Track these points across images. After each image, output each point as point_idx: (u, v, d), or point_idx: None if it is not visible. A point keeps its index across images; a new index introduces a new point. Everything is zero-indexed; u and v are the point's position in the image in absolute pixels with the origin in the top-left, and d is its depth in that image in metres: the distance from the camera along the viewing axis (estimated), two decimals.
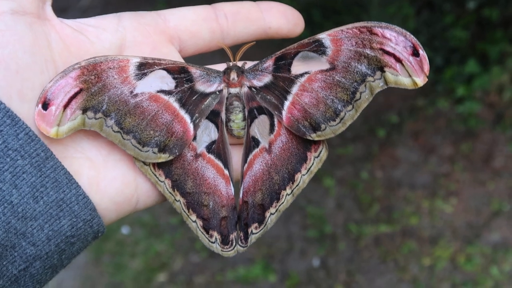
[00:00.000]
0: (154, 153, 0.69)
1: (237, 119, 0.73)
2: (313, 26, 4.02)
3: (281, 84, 0.72)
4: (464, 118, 3.32)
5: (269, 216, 0.73)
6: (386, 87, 0.69)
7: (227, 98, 0.73)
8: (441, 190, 3.01)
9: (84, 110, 0.65)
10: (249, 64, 0.75)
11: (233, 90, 0.73)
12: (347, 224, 2.91)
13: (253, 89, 0.73)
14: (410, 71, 0.67)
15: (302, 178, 0.73)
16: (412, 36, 0.67)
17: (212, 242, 0.73)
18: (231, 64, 0.74)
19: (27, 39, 0.62)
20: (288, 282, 2.70)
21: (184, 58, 0.75)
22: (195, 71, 0.71)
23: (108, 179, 0.67)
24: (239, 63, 0.74)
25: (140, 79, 0.68)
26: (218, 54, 0.77)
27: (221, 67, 0.76)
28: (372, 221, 2.92)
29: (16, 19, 0.62)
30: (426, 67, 0.67)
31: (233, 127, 0.74)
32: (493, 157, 3.14)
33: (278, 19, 0.74)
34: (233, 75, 0.72)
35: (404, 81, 0.68)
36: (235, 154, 0.75)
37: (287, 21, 0.75)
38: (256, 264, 2.75)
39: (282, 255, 2.81)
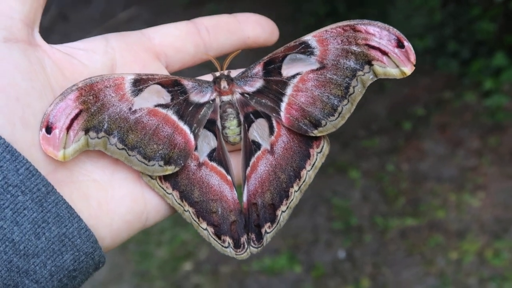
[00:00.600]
0: (160, 166, 0.70)
1: (232, 125, 0.75)
2: (337, 17, 3.99)
3: (274, 87, 0.74)
4: (492, 112, 3.28)
5: (280, 214, 0.75)
6: (376, 78, 0.72)
7: (220, 106, 0.75)
8: (469, 184, 2.98)
9: (86, 131, 0.66)
10: (233, 72, 0.77)
11: (225, 98, 0.75)
12: (373, 217, 2.89)
13: (245, 95, 0.75)
14: (397, 62, 0.70)
15: (308, 174, 0.75)
16: (395, 29, 0.70)
17: (225, 247, 0.74)
18: (218, 73, 0.76)
19: (23, 66, 0.62)
20: (313, 273, 2.70)
21: (171, 74, 0.77)
22: (187, 83, 0.73)
23: (117, 199, 0.68)
24: (225, 72, 0.76)
25: (137, 95, 0.69)
26: (203, 67, 0.79)
27: (208, 78, 0.78)
28: (398, 214, 2.90)
29: (9, 46, 0.62)
30: (412, 57, 0.70)
31: (229, 134, 0.76)
32: None
33: (255, 29, 0.77)
34: (224, 84, 0.74)
35: (392, 72, 0.71)
36: (233, 160, 0.77)
37: (263, 31, 0.78)
38: (282, 255, 2.75)
39: (307, 246, 2.80)
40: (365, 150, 3.17)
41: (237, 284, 2.69)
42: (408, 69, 0.70)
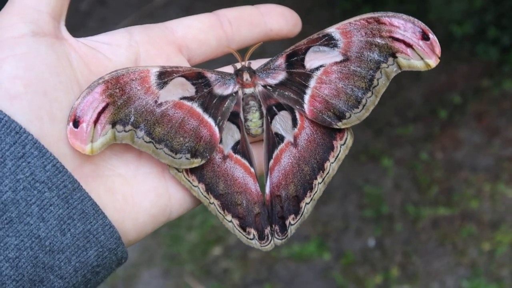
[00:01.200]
0: (187, 158, 0.71)
1: (254, 118, 0.75)
2: (375, 3, 3.94)
3: (298, 79, 0.74)
4: None
5: (304, 206, 0.75)
6: (400, 71, 0.72)
7: (242, 98, 0.75)
8: (504, 174, 2.92)
9: (113, 124, 0.67)
10: (254, 63, 0.77)
11: (248, 90, 0.75)
12: (404, 205, 2.87)
13: (268, 87, 0.75)
14: (422, 54, 0.70)
15: (331, 166, 0.76)
16: (420, 22, 0.70)
17: (250, 239, 0.75)
18: (239, 65, 0.76)
19: (50, 60, 0.63)
20: (342, 261, 2.70)
21: (193, 67, 0.78)
22: (210, 75, 0.74)
23: (142, 193, 0.69)
24: (246, 64, 0.76)
25: (162, 88, 0.70)
26: (221, 59, 0.79)
27: (228, 69, 0.78)
28: (431, 203, 2.87)
29: (37, 40, 0.63)
30: (437, 49, 0.70)
31: (251, 126, 0.76)
32: None
33: (278, 21, 0.78)
34: (246, 76, 0.74)
35: (417, 64, 0.71)
36: (254, 152, 0.78)
37: (287, 23, 0.78)
38: (311, 242, 2.76)
39: (337, 234, 2.80)
40: (398, 138, 3.14)
41: (265, 269, 2.72)
42: (433, 61, 0.71)
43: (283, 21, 0.78)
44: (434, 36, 0.70)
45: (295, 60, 0.74)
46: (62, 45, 0.66)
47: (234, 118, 0.75)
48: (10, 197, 0.57)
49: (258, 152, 0.78)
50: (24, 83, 0.60)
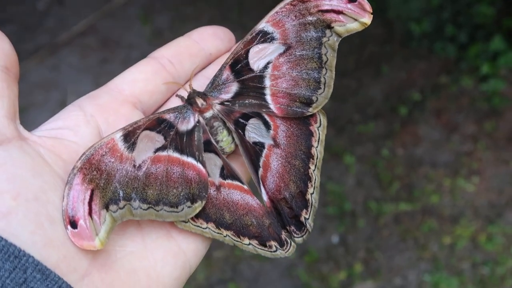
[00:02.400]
0: (189, 207, 0.69)
1: (224, 136, 0.75)
2: None
3: (252, 84, 0.74)
4: (488, 96, 3.27)
5: (311, 197, 0.75)
6: (341, 38, 0.72)
7: (206, 124, 0.74)
8: (463, 169, 2.98)
9: (107, 207, 0.64)
10: (194, 84, 0.76)
11: (208, 114, 0.74)
12: (367, 202, 2.89)
13: (226, 103, 0.75)
14: (354, 16, 0.70)
15: (317, 150, 0.75)
16: None
17: (274, 252, 0.74)
18: (184, 92, 0.75)
19: (27, 163, 0.60)
20: (307, 258, 2.71)
21: None
22: (169, 115, 0.72)
23: (160, 261, 0.67)
24: (188, 88, 0.75)
25: (133, 149, 0.68)
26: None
27: (175, 101, 0.77)
28: (392, 199, 2.90)
29: (6, 148, 0.60)
30: (367, 6, 0.70)
31: (224, 146, 0.75)
32: None
33: (214, 43, 0.77)
34: (200, 101, 0.74)
35: (353, 26, 0.71)
36: (235, 165, 0.77)
37: (222, 41, 0.77)
38: None
39: None
40: (360, 135, 3.17)
41: (230, 269, 2.71)
42: (367, 19, 0.71)
43: (218, 42, 0.77)
44: None
45: (240, 68, 0.73)
46: (29, 145, 0.62)
47: (208, 146, 0.74)
48: None
49: (235, 164, 0.77)
50: (12, 195, 0.57)
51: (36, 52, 3.61)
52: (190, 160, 0.71)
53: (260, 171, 0.75)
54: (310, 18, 0.71)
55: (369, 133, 3.18)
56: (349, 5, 0.70)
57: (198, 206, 0.70)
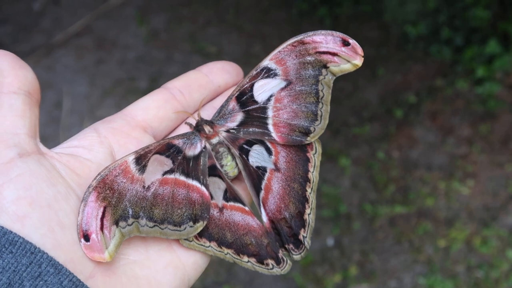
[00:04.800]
0: (191, 226, 0.75)
1: (228, 161, 0.82)
2: (332, 4, 3.97)
3: (256, 114, 0.81)
4: (483, 99, 3.28)
5: (308, 217, 0.81)
6: (335, 77, 0.80)
7: (212, 149, 0.81)
8: (458, 172, 2.99)
9: (117, 223, 0.70)
10: (203, 113, 0.84)
11: (214, 140, 0.81)
12: (362, 204, 2.90)
13: (231, 130, 0.82)
14: (347, 58, 0.78)
15: (313, 174, 0.82)
16: (338, 32, 0.78)
17: (271, 269, 0.80)
18: (192, 120, 0.83)
19: (43, 175, 0.67)
20: (301, 261, 2.71)
21: None
22: (177, 141, 0.79)
23: (161, 271, 0.73)
24: (196, 116, 0.83)
25: (144, 171, 0.74)
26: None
27: (183, 128, 0.85)
28: (388, 201, 2.91)
29: (25, 160, 0.67)
30: (359, 50, 0.78)
31: (228, 170, 0.82)
32: None
33: (222, 76, 0.85)
34: (207, 128, 0.81)
35: (346, 67, 0.79)
36: (238, 188, 0.84)
37: (230, 75, 0.85)
38: None
39: None
40: (355, 137, 3.17)
41: (225, 271, 2.71)
42: (358, 61, 0.78)
43: (226, 75, 0.85)
44: (354, 41, 0.77)
45: (245, 99, 0.81)
46: (46, 159, 0.69)
47: (213, 171, 0.81)
48: None
49: (238, 187, 0.83)
50: (28, 202, 0.64)
51: (31, 52, 3.60)
52: (194, 183, 0.77)
53: (262, 193, 0.81)
54: (308, 58, 0.79)
55: (365, 136, 3.18)
56: (343, 48, 0.78)
57: (200, 226, 0.76)
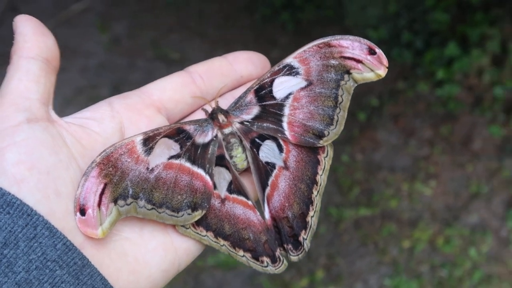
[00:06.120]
0: (189, 214, 0.74)
1: (238, 153, 0.81)
2: (294, 9, 4.00)
3: (272, 110, 0.80)
4: (444, 101, 3.34)
5: (310, 220, 0.80)
6: (356, 84, 0.79)
7: (223, 139, 0.80)
8: (421, 173, 3.03)
9: (115, 201, 0.70)
10: (221, 101, 0.83)
11: (227, 130, 0.80)
12: (327, 208, 2.92)
13: (245, 123, 0.81)
14: (371, 67, 0.77)
15: (321, 178, 0.81)
16: (366, 40, 0.77)
17: (265, 267, 0.79)
18: (209, 108, 0.81)
19: (47, 142, 0.67)
20: None
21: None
22: (189, 127, 0.78)
23: (151, 251, 0.72)
24: (213, 104, 0.81)
25: (150, 153, 0.74)
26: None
27: (198, 114, 0.83)
28: (352, 204, 2.93)
29: (32, 126, 0.67)
30: (384, 60, 0.77)
31: (237, 162, 0.81)
32: (472, 139, 3.17)
33: (247, 66, 0.82)
34: (221, 117, 0.80)
35: (369, 76, 0.78)
36: (244, 182, 0.83)
37: (255, 67, 0.83)
38: None
39: None
40: None
41: (192, 279, 2.69)
42: (382, 71, 0.77)
43: (251, 66, 0.82)
44: (380, 50, 0.77)
45: (264, 93, 0.80)
46: (54, 127, 0.70)
47: (220, 161, 0.80)
48: (24, 277, 0.61)
49: (245, 181, 0.82)
50: (27, 166, 0.64)
51: None
52: (199, 171, 0.77)
53: (268, 189, 0.80)
54: (332, 61, 0.78)
55: None
56: (368, 57, 0.77)
57: (198, 214, 0.75)
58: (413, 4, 3.87)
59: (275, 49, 3.74)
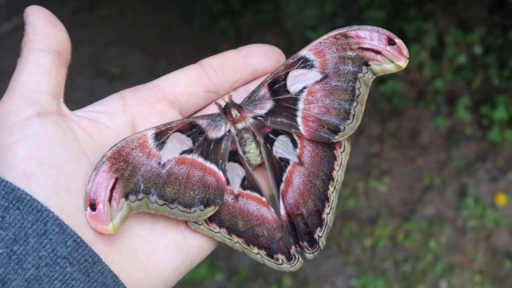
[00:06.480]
0: (201, 210, 0.72)
1: (252, 148, 0.78)
2: (233, 15, 3.98)
3: (286, 104, 0.77)
4: (388, 97, 3.41)
5: (326, 217, 0.78)
6: (375, 76, 0.76)
7: (236, 134, 0.78)
8: (374, 170, 3.08)
9: (126, 196, 0.68)
10: (234, 96, 0.80)
11: (240, 125, 0.78)
12: None
13: (259, 118, 0.79)
14: (391, 58, 0.74)
15: (338, 173, 0.79)
16: (384, 30, 0.74)
17: (280, 264, 0.77)
18: (222, 102, 0.79)
19: (58, 136, 0.66)
20: (235, 279, 2.68)
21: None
22: (202, 121, 0.76)
23: (163, 248, 0.71)
24: (226, 98, 0.79)
25: (161, 148, 0.72)
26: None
27: (211, 108, 0.81)
28: None
29: (43, 120, 0.66)
30: (405, 51, 0.74)
31: (250, 157, 0.78)
32: (419, 133, 3.25)
33: (261, 60, 0.80)
34: (235, 112, 0.77)
35: (389, 67, 0.75)
36: (258, 177, 0.81)
37: (270, 60, 0.80)
38: (201, 264, 2.70)
39: (226, 253, 2.77)
40: None
41: None
42: (402, 63, 0.74)
43: (266, 60, 0.80)
44: (400, 40, 0.74)
45: (278, 87, 0.77)
46: (65, 121, 0.68)
47: (233, 156, 0.77)
48: (33, 274, 0.60)
49: (260, 177, 0.80)
50: (37, 162, 0.63)
51: None
52: (212, 166, 0.75)
53: (282, 185, 0.78)
54: (350, 53, 0.75)
55: None
56: (388, 47, 0.74)
57: (210, 211, 0.73)
58: (349, 3, 3.93)
59: None
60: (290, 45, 3.74)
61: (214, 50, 3.94)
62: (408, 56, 0.74)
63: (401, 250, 2.76)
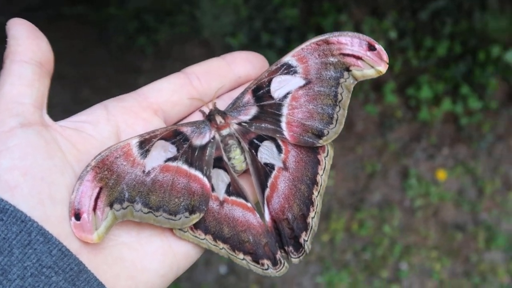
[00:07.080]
0: (186, 217, 0.73)
1: (237, 155, 0.79)
2: (148, 32, 3.90)
3: (270, 110, 0.78)
4: None
5: (311, 221, 0.79)
6: (356, 81, 0.78)
7: (221, 140, 0.79)
8: None
9: (111, 205, 0.68)
10: (218, 102, 0.81)
11: (224, 132, 0.79)
12: None
13: (243, 124, 0.79)
14: (371, 63, 0.76)
15: (322, 178, 0.79)
16: (365, 36, 0.76)
17: (265, 270, 0.77)
18: (206, 109, 0.80)
19: (41, 146, 0.66)
20: None
21: None
22: (186, 129, 0.76)
23: (149, 256, 0.71)
24: (210, 106, 0.80)
25: (146, 156, 0.72)
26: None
27: (196, 116, 0.82)
28: None
29: (26, 131, 0.66)
30: (385, 56, 0.76)
31: (235, 163, 0.79)
32: (354, 123, 3.32)
33: (244, 67, 0.81)
34: (219, 119, 0.78)
35: (369, 72, 0.77)
36: (243, 183, 0.81)
37: (253, 67, 0.81)
38: None
39: (187, 272, 2.71)
40: None
41: None
42: (382, 68, 0.76)
43: (249, 66, 0.81)
44: (380, 46, 0.76)
45: (261, 93, 0.78)
46: (48, 131, 0.68)
47: (218, 163, 0.78)
48: (19, 285, 0.59)
49: (244, 183, 0.80)
50: (21, 172, 0.63)
51: None
52: (197, 173, 0.75)
53: (267, 191, 0.78)
54: (331, 59, 0.77)
55: None
56: (368, 53, 0.76)
57: (196, 218, 0.73)
58: (262, 5, 3.96)
59: (141, 76, 3.63)
60: (211, 53, 3.72)
61: (137, 70, 3.85)
62: (388, 61, 0.76)
63: (358, 239, 2.81)
